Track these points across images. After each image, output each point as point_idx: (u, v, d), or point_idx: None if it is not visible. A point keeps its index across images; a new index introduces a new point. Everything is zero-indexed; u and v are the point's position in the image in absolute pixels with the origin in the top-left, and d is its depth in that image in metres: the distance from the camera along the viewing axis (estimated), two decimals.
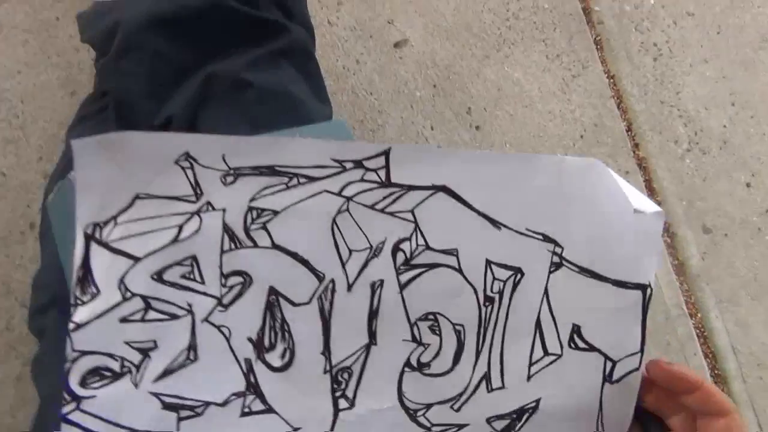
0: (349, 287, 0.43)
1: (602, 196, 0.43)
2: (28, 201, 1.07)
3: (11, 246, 1.06)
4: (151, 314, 0.42)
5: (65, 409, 0.41)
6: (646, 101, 1.34)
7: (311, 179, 0.42)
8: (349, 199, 0.42)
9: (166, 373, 0.43)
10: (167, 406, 0.43)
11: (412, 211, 0.43)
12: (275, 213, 0.42)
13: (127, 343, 0.42)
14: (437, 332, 0.45)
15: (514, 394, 0.46)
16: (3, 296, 1.06)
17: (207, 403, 0.43)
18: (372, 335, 0.44)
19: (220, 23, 0.65)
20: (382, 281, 0.44)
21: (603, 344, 0.45)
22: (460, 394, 0.46)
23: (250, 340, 0.44)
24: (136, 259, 0.41)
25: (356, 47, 1.26)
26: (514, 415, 0.46)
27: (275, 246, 0.42)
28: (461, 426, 0.46)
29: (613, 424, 0.46)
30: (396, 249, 0.43)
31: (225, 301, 0.43)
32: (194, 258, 0.42)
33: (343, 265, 0.43)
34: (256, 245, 0.42)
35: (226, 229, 0.42)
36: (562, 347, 0.45)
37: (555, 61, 1.32)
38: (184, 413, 0.43)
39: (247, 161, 0.41)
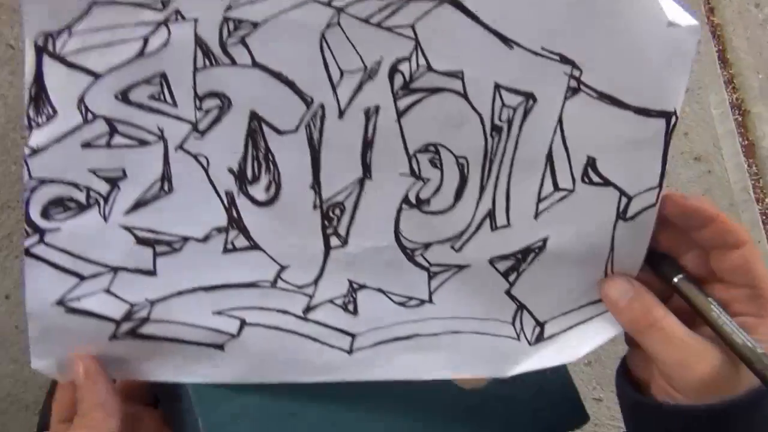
0: (341, 113, 0.39)
1: (631, 8, 0.37)
2: None
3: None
4: (118, 139, 0.38)
5: (27, 242, 0.38)
6: None
7: None
8: (340, 10, 0.37)
9: (138, 204, 0.39)
10: (141, 241, 0.40)
11: (412, 26, 0.37)
12: (255, 25, 0.36)
13: (92, 171, 0.38)
14: (438, 165, 0.41)
15: (519, 233, 0.43)
16: None
17: (185, 239, 0.40)
18: (366, 168, 0.40)
19: None
20: (377, 107, 0.39)
21: (619, 178, 0.41)
22: (462, 233, 0.43)
23: (230, 170, 0.39)
24: (97, 76, 0.36)
25: None
26: (519, 255, 0.43)
27: (256, 64, 0.37)
28: (462, 267, 0.44)
29: (624, 265, 0.43)
30: (394, 70, 0.38)
31: (201, 126, 0.38)
32: (163, 75, 0.37)
33: (334, 88, 0.38)
34: (234, 63, 0.37)
35: (199, 43, 0.37)
36: (574, 181, 0.41)
37: None
38: (161, 249, 0.40)
39: None
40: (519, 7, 0.37)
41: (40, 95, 0.36)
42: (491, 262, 0.44)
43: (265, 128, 0.39)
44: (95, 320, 0.41)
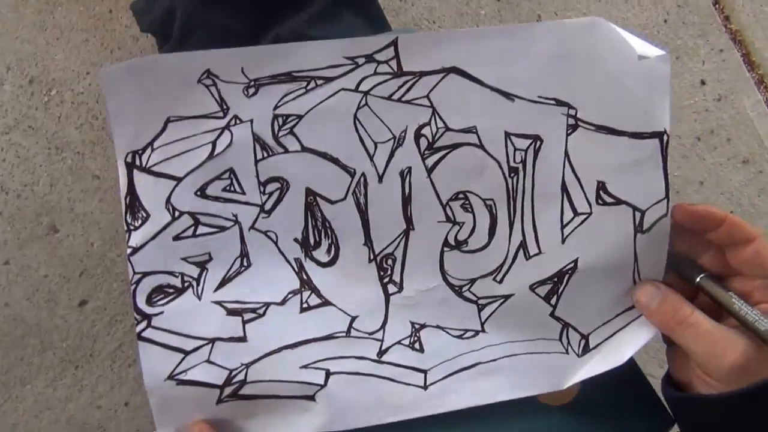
0: (380, 178, 0.46)
1: (606, 50, 0.44)
2: None
3: (120, 245, 1.10)
4: (201, 229, 0.45)
5: (138, 328, 0.45)
6: None
7: (328, 80, 0.44)
8: (366, 93, 0.44)
9: (224, 281, 0.46)
10: (231, 312, 0.46)
11: (427, 96, 0.45)
12: (299, 117, 0.44)
13: (183, 259, 0.45)
14: (469, 209, 0.47)
15: (552, 258, 0.48)
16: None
17: (267, 304, 0.46)
18: (408, 221, 0.47)
19: None
20: (409, 168, 0.46)
21: (629, 196, 0.47)
22: (501, 266, 0.48)
23: (296, 240, 0.46)
24: (179, 179, 0.44)
25: None
26: (555, 279, 0.48)
27: (304, 149, 0.45)
28: (507, 296, 0.49)
29: (649, 272, 0.48)
30: (418, 135, 0.45)
31: (267, 207, 0.45)
32: (231, 170, 0.44)
33: (371, 158, 0.45)
34: (286, 150, 0.45)
35: (257, 138, 0.44)
36: (590, 205, 0.47)
37: None
38: (248, 316, 0.46)
39: (264, 71, 0.43)
40: (512, 66, 0.45)
41: (134, 203, 0.44)
42: (531, 288, 0.49)
43: (320, 201, 0.46)
44: (202, 388, 0.46)
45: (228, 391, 0.47)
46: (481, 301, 0.49)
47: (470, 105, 0.45)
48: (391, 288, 0.48)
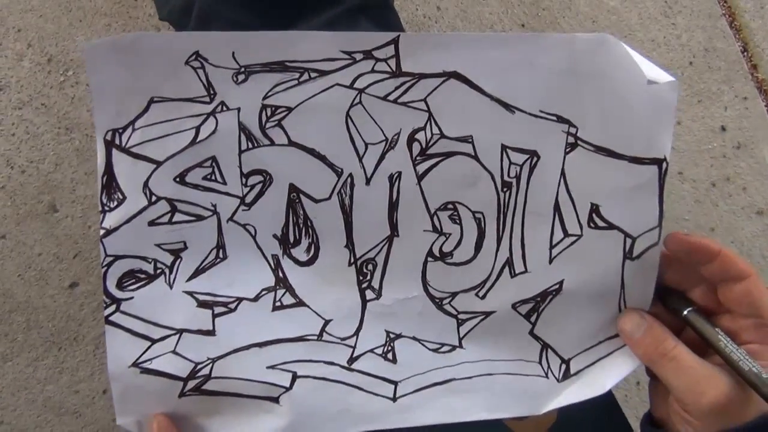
0: (368, 181, 0.44)
1: (614, 71, 0.43)
2: None
3: None
4: (178, 216, 0.44)
5: (106, 312, 0.43)
6: (763, 16, 1.26)
7: (322, 73, 0.42)
8: (361, 91, 0.43)
9: (198, 272, 0.44)
10: (202, 304, 0.45)
11: (424, 100, 0.43)
12: (289, 110, 0.43)
13: (157, 245, 0.44)
14: (457, 221, 0.46)
15: (537, 278, 0.47)
16: None
17: (239, 299, 0.45)
18: (393, 227, 0.45)
19: None
20: (399, 173, 0.44)
21: (622, 221, 0.45)
22: (485, 281, 0.47)
23: (275, 236, 0.45)
24: (158, 163, 0.43)
25: None
26: (538, 298, 0.47)
27: (292, 143, 0.43)
28: (487, 313, 0.48)
29: (635, 300, 0.47)
30: (411, 139, 0.44)
31: (247, 200, 0.44)
32: (214, 159, 0.43)
33: (360, 158, 0.44)
34: (273, 143, 0.43)
35: (243, 128, 0.43)
36: (581, 227, 0.46)
37: None
38: (219, 310, 0.45)
39: (257, 58, 0.42)
40: (516, 78, 0.43)
41: (110, 183, 0.42)
42: (514, 306, 0.47)
43: (303, 198, 0.44)
44: (165, 379, 0.45)
45: (191, 384, 0.45)
46: (461, 316, 0.47)
47: (468, 113, 0.44)
48: (369, 294, 0.46)
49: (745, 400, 0.41)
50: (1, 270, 1.09)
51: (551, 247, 0.46)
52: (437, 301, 0.47)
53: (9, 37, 1.13)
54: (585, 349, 0.48)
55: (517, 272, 0.47)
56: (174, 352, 0.45)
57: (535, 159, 0.45)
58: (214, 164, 0.43)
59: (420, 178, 0.45)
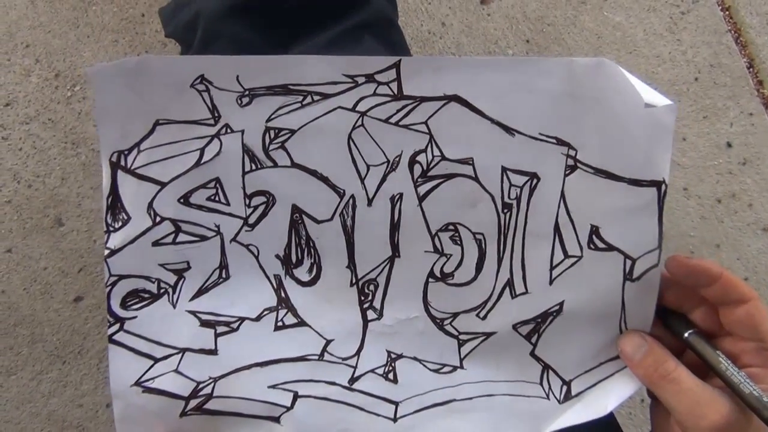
0: (369, 202, 0.45)
1: (612, 94, 0.43)
2: None
3: None
4: (182, 236, 0.44)
5: (110, 330, 0.44)
6: None
7: (325, 96, 0.43)
8: (363, 114, 0.43)
9: (201, 291, 0.45)
10: (204, 323, 0.45)
11: (425, 123, 0.44)
12: (292, 132, 0.43)
13: (161, 265, 0.44)
14: (458, 242, 0.46)
15: (538, 299, 0.47)
16: None
17: (242, 319, 0.46)
18: (395, 247, 0.46)
19: (298, 4, 0.64)
20: (401, 194, 0.45)
21: (622, 243, 0.46)
22: (485, 302, 0.47)
23: (277, 257, 0.45)
24: (162, 184, 0.43)
25: (440, 9, 1.22)
26: (539, 320, 0.47)
27: (295, 165, 0.44)
28: (488, 334, 0.48)
29: (636, 322, 0.47)
30: (412, 161, 0.44)
31: (251, 220, 0.44)
32: (218, 180, 0.44)
33: (362, 180, 0.44)
34: (276, 165, 0.44)
35: (246, 150, 0.43)
36: (581, 249, 0.46)
37: None
38: (221, 329, 0.45)
39: (260, 81, 0.42)
40: (516, 101, 0.44)
41: (115, 204, 0.43)
42: (515, 327, 0.48)
43: (305, 219, 0.45)
44: (167, 399, 0.45)
45: (193, 404, 0.46)
46: (462, 337, 0.48)
47: (469, 136, 0.44)
48: (371, 314, 0.47)
49: (745, 423, 0.41)
50: (6, 283, 1.10)
51: (552, 268, 0.46)
52: (438, 321, 0.47)
53: (17, 52, 1.14)
54: (586, 371, 0.48)
55: (517, 293, 0.47)
56: (176, 371, 0.45)
57: (535, 181, 0.45)
58: (217, 185, 0.44)
59: (421, 199, 0.45)
